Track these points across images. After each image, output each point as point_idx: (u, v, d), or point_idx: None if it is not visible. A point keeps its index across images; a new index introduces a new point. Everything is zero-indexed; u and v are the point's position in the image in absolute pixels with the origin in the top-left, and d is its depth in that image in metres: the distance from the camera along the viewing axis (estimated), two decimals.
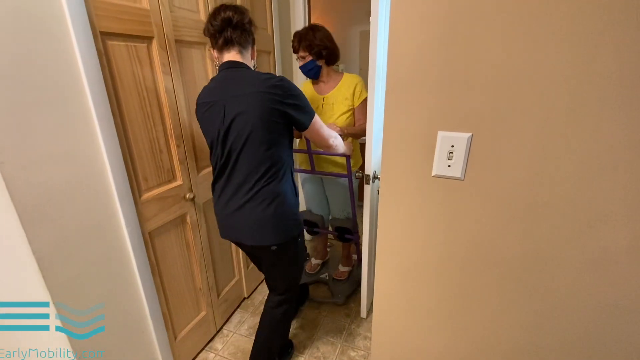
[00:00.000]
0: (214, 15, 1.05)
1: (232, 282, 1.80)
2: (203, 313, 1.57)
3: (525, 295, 0.87)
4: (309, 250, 2.37)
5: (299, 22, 2.13)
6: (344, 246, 2.09)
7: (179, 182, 1.32)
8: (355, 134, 1.66)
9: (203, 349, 1.61)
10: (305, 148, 1.62)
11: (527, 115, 0.73)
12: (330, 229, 1.97)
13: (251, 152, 1.02)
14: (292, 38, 1.63)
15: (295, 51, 1.62)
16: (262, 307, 1.88)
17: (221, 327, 1.74)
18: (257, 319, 1.78)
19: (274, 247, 1.11)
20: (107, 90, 0.99)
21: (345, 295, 1.94)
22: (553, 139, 0.72)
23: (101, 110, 0.97)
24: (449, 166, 0.85)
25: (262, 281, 2.10)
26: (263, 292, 2.03)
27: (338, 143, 1.25)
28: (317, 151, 1.64)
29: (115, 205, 1.06)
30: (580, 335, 0.83)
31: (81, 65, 0.91)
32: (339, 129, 1.51)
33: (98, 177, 1.00)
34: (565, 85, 0.67)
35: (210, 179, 1.46)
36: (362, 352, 1.60)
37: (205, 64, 1.42)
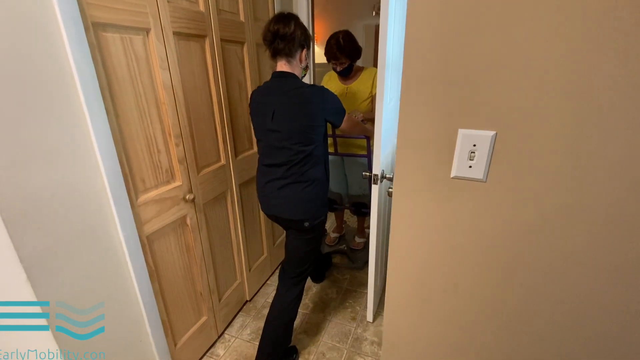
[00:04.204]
0: (267, 26, 1.22)
1: (234, 285, 1.74)
2: (204, 318, 1.51)
3: (550, 305, 0.81)
4: (327, 226, 2.62)
5: (301, 16, 2.05)
6: (359, 220, 2.40)
7: (178, 182, 1.26)
8: (374, 118, 1.72)
9: (204, 355, 1.55)
10: (330, 132, 1.81)
11: (558, 113, 0.66)
12: (347, 205, 2.28)
13: (294, 146, 1.22)
14: (327, 46, 1.80)
15: (335, 58, 1.81)
16: (264, 311, 1.84)
17: (223, 332, 1.68)
18: (260, 323, 1.73)
19: (306, 224, 1.30)
20: (100, 86, 0.92)
21: (363, 260, 2.20)
22: (585, 140, 0.66)
23: (94, 107, 0.91)
24: (470, 167, 0.79)
25: (264, 283, 2.04)
26: (266, 294, 1.97)
27: (362, 127, 1.53)
28: (341, 135, 1.89)
29: (110, 209, 0.99)
30: (612, 346, 0.77)
31: (71, 59, 0.84)
32: (361, 115, 1.76)
33: (91, 179, 0.94)
34: (603, 81, 0.61)
35: (211, 178, 1.42)
36: (370, 359, 1.54)
37: (205, 58, 1.35)
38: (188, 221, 1.33)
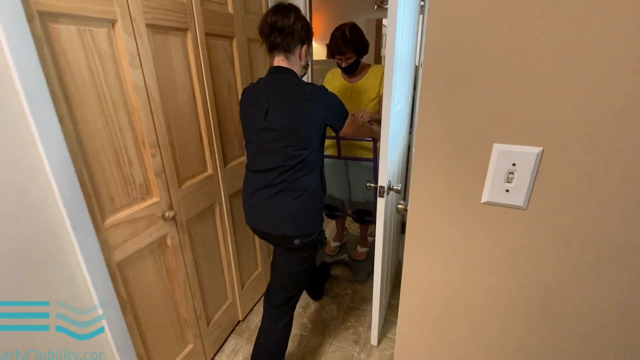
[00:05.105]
0: (264, 17, 1.09)
1: (225, 306, 1.59)
2: (190, 346, 1.35)
3: (607, 358, 0.65)
4: (327, 234, 2.55)
5: None
6: (361, 228, 2.24)
7: (155, 199, 1.09)
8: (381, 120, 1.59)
9: None
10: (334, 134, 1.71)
11: (628, 126, 0.50)
12: (349, 212, 2.10)
13: (287, 150, 1.08)
14: (332, 39, 1.64)
15: (340, 53, 1.63)
16: None
17: (212, 359, 1.52)
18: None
19: (296, 241, 1.14)
20: (50, 88, 0.76)
21: (366, 273, 2.06)
22: None
23: (42, 115, 0.74)
24: (507, 191, 0.63)
25: (259, 300, 1.88)
26: (260, 312, 1.80)
27: (368, 129, 1.37)
28: (345, 137, 1.74)
29: (68, 236, 0.83)
30: None
31: (9, 56, 0.68)
32: (368, 115, 1.60)
33: (40, 202, 0.77)
34: None
35: (196, 191, 1.26)
36: None
37: (187, 54, 1.18)
38: (169, 241, 1.17)
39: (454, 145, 0.64)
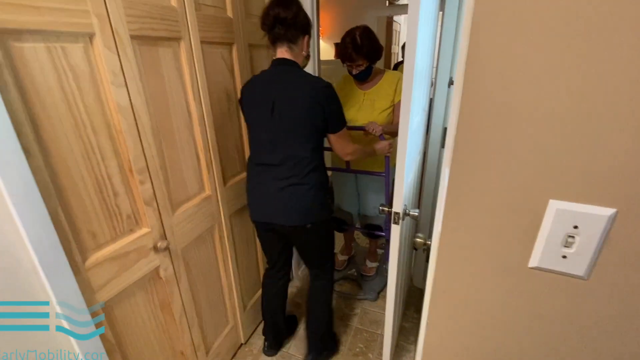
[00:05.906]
0: (266, 10, 1.10)
1: (226, 331, 1.49)
2: None
3: None
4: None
5: (305, 5, 1.74)
6: (370, 242, 2.13)
7: (145, 229, 0.98)
8: (395, 132, 1.54)
9: None
10: None
11: None
12: (359, 225, 2.00)
13: (294, 144, 1.11)
14: (342, 44, 1.53)
15: (350, 60, 1.52)
16: (262, 357, 1.59)
17: None
18: None
19: (309, 225, 1.19)
20: (13, 118, 0.65)
21: (376, 291, 1.97)
22: None
23: (3, 146, 0.63)
24: (565, 257, 0.50)
25: (260, 322, 1.78)
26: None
27: (354, 158, 1.33)
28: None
29: (39, 283, 0.73)
30: None
31: None
32: (380, 128, 1.46)
33: (5, 250, 0.67)
34: None
35: (192, 215, 1.17)
36: None
37: (180, 66, 1.06)
38: (162, 273, 1.06)
39: (497, 196, 0.51)
